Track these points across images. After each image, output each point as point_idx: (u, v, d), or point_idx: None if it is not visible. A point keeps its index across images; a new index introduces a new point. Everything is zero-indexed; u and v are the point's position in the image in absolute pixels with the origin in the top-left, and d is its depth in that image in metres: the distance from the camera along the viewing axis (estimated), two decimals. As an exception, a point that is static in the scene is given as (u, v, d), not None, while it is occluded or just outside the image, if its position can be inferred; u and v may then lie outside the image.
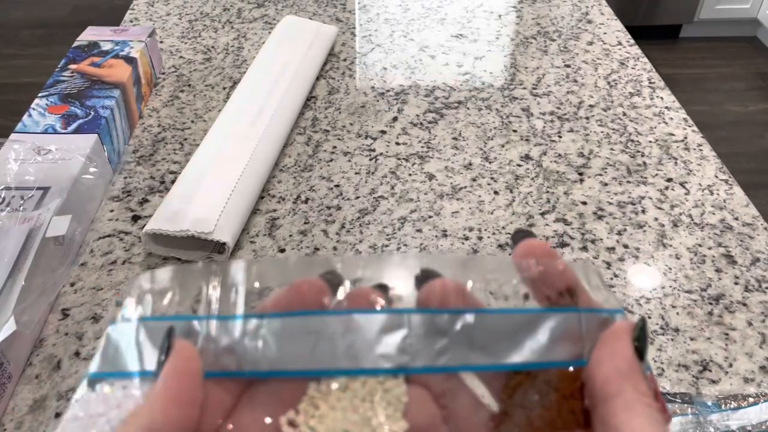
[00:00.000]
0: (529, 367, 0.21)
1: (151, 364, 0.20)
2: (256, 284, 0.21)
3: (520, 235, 0.23)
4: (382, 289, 0.21)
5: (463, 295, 0.21)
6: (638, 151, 0.62)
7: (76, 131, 0.55)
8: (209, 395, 0.20)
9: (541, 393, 0.20)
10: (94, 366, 0.21)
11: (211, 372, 0.20)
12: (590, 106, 0.67)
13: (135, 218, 0.54)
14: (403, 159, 0.60)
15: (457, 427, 0.21)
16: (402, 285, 0.21)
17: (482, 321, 0.21)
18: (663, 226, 0.54)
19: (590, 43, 0.77)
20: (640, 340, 0.21)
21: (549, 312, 0.21)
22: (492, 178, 0.58)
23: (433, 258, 0.22)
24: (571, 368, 0.21)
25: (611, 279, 0.49)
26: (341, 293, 0.21)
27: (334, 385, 0.20)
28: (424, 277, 0.22)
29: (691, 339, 0.45)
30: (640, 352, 0.21)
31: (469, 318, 0.21)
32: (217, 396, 0.20)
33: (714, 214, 0.55)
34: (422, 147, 0.62)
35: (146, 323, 0.21)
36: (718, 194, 0.57)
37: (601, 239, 0.53)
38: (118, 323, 0.22)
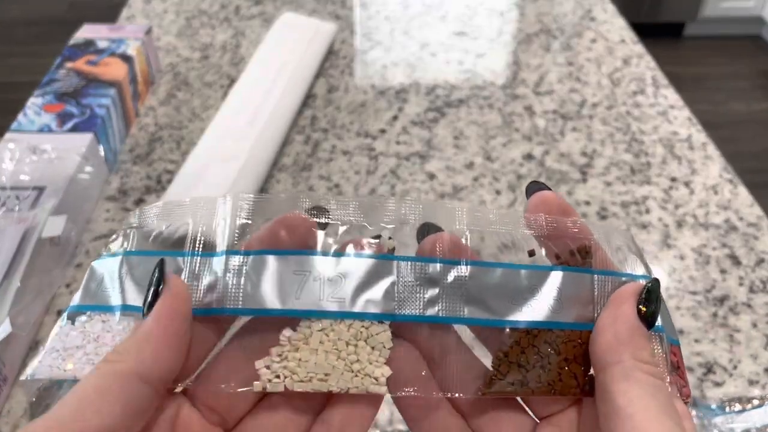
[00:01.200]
0: (529, 326, 0.20)
1: (133, 299, 0.19)
2: (242, 220, 0.20)
3: (535, 186, 0.22)
4: (376, 239, 0.20)
5: (464, 251, 0.20)
6: (642, 151, 0.61)
7: (71, 130, 0.55)
8: (193, 332, 0.19)
9: (541, 354, 0.20)
10: (75, 299, 0.20)
11: (196, 309, 0.19)
12: (593, 104, 0.67)
13: (131, 218, 0.53)
14: (404, 158, 0.60)
15: (446, 382, 0.20)
16: (396, 233, 0.20)
17: (480, 274, 0.20)
18: (667, 226, 0.53)
19: (593, 41, 0.77)
20: (649, 303, 0.19)
21: (556, 270, 0.20)
22: (494, 178, 0.58)
23: (432, 206, 0.21)
24: (575, 331, 0.20)
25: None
26: (329, 231, 0.20)
27: (317, 327, 0.19)
28: (425, 231, 0.21)
29: (696, 341, 0.45)
30: (649, 316, 0.19)
31: (464, 270, 0.20)
32: (201, 333, 0.19)
33: (718, 214, 0.54)
34: (423, 146, 0.61)
35: (129, 258, 0.20)
36: (722, 194, 0.56)
37: (604, 240, 0.52)
38: (103, 257, 0.21)
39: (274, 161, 0.59)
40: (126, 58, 0.63)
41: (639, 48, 0.75)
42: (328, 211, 0.20)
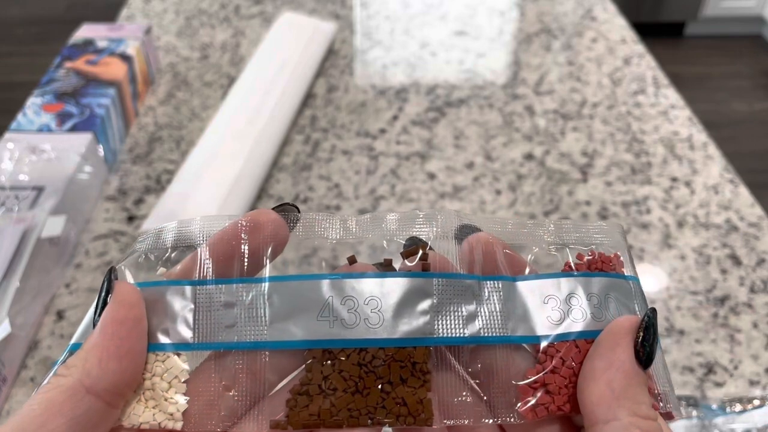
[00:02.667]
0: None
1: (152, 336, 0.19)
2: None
3: (466, 231, 0.20)
4: (387, 265, 0.19)
5: (505, 251, 0.19)
6: (643, 150, 0.61)
7: (71, 130, 0.55)
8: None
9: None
10: (77, 335, 0.19)
11: (216, 344, 0.18)
12: (594, 104, 0.67)
13: (130, 218, 0.53)
14: (404, 158, 0.59)
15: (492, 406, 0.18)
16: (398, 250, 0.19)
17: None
18: (668, 226, 0.53)
19: (594, 41, 0.76)
20: (647, 342, 0.17)
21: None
22: (494, 178, 0.57)
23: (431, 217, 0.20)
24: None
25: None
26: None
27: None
28: (463, 233, 0.19)
29: (696, 341, 0.45)
30: (647, 358, 0.17)
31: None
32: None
33: (719, 214, 0.54)
34: (423, 146, 0.61)
35: (142, 289, 0.19)
36: (723, 194, 0.56)
37: (605, 240, 0.52)
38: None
39: (274, 161, 0.58)
40: (125, 58, 0.63)
41: (640, 47, 0.75)
42: (295, 207, 0.19)
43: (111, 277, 0.18)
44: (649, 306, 0.19)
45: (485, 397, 0.18)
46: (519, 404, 0.18)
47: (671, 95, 0.68)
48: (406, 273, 0.18)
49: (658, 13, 2.13)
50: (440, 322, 0.18)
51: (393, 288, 0.18)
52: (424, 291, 0.18)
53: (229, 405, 0.18)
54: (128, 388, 0.17)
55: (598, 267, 0.20)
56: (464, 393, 0.18)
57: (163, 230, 0.20)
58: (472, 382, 0.18)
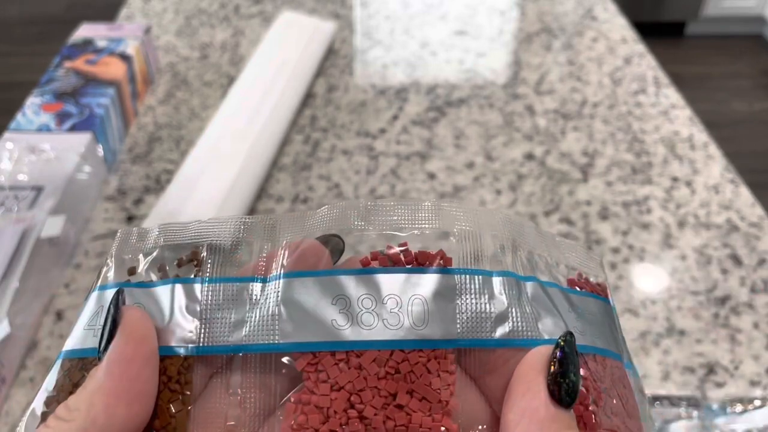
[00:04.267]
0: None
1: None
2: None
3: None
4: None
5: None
6: (643, 150, 0.61)
7: (70, 130, 0.54)
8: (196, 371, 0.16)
9: None
10: (70, 341, 0.18)
11: (213, 348, 0.16)
12: (594, 104, 0.66)
13: (130, 218, 0.53)
14: (404, 158, 0.59)
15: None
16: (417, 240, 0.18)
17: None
18: (668, 226, 0.53)
19: (594, 40, 0.76)
20: (563, 376, 0.15)
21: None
22: (494, 178, 0.57)
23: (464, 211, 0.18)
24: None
25: (616, 280, 0.48)
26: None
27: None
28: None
29: (697, 341, 0.44)
30: (567, 393, 0.15)
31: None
32: (199, 372, 0.16)
33: (720, 214, 0.54)
34: (423, 146, 0.61)
35: (130, 290, 0.17)
36: (724, 194, 0.56)
37: (606, 240, 0.52)
38: (97, 290, 0.18)
39: (274, 161, 0.58)
40: (125, 58, 0.63)
41: (640, 47, 0.75)
42: (341, 241, 0.18)
43: (118, 302, 0.16)
44: (564, 332, 0.17)
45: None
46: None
47: (672, 95, 0.68)
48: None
49: (659, 12, 2.13)
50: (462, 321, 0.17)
51: (417, 284, 0.17)
52: (449, 288, 0.17)
53: (236, 414, 0.16)
54: (139, 430, 0.16)
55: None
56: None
57: (158, 231, 0.19)
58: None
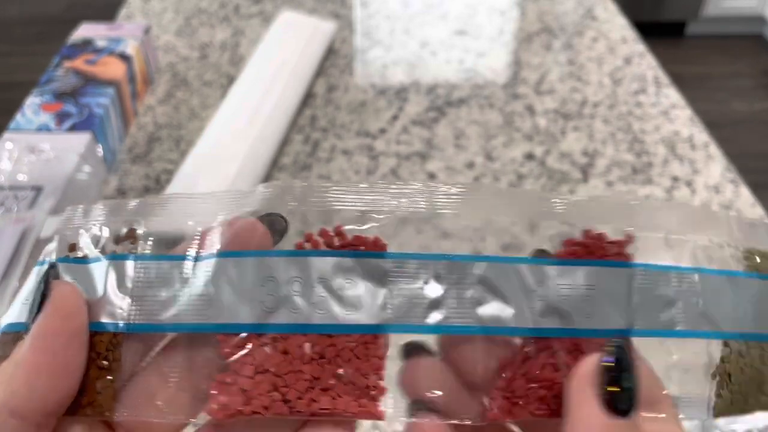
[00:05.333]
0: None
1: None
2: (189, 222, 0.18)
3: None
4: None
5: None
6: (643, 150, 0.61)
7: (70, 130, 0.54)
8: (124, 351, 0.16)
9: None
10: (9, 314, 0.17)
11: (144, 325, 0.16)
12: (595, 104, 0.66)
13: (130, 218, 0.53)
14: (404, 158, 0.59)
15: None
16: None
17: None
18: (668, 226, 0.53)
19: (594, 40, 0.76)
20: (618, 382, 0.14)
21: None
22: (495, 178, 0.57)
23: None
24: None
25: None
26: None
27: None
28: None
29: (698, 343, 0.44)
30: (624, 403, 0.14)
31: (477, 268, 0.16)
32: (129, 350, 0.16)
33: (721, 214, 0.54)
34: (423, 146, 0.61)
35: (66, 265, 0.17)
36: (724, 194, 0.56)
37: (605, 240, 0.51)
38: (37, 265, 0.18)
39: (274, 161, 0.58)
40: (124, 58, 0.62)
41: (640, 47, 0.75)
42: (285, 220, 0.17)
43: (48, 276, 0.16)
44: (616, 340, 0.16)
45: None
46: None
47: (672, 95, 0.68)
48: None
49: (659, 12, 2.13)
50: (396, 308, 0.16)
51: (349, 269, 0.16)
52: (380, 272, 0.17)
53: (164, 394, 0.16)
54: (61, 408, 0.15)
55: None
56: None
57: (96, 210, 0.18)
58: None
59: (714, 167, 0.59)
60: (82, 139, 0.53)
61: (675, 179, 0.57)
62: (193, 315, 0.16)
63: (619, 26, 0.79)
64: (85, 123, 0.55)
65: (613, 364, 0.15)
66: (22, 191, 0.49)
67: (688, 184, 0.57)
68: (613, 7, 0.83)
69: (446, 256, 0.17)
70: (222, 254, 0.17)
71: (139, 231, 0.18)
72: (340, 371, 0.16)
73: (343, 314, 0.16)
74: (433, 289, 0.16)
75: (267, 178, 0.57)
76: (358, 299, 0.16)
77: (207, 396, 0.16)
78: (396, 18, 0.80)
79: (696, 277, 0.17)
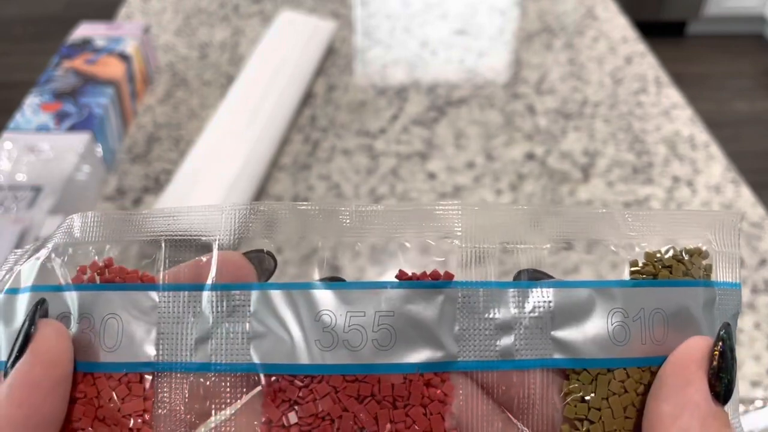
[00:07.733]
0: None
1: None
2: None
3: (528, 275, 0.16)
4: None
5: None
6: (644, 150, 0.60)
7: (69, 129, 0.54)
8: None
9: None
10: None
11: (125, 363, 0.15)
12: (595, 103, 0.66)
13: (129, 218, 0.53)
14: (404, 158, 0.59)
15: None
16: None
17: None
18: (669, 226, 0.53)
19: (595, 40, 0.76)
20: (724, 371, 0.14)
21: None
22: (495, 177, 0.57)
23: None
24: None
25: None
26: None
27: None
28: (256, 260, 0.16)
29: (699, 343, 0.44)
30: (725, 390, 0.14)
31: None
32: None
33: (722, 214, 0.54)
34: (423, 145, 0.61)
35: (44, 294, 0.15)
36: (725, 194, 0.56)
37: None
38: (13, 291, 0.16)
39: (274, 161, 0.58)
40: (124, 57, 0.62)
41: (641, 47, 0.75)
42: (274, 259, 0.16)
43: (36, 314, 0.14)
44: (724, 323, 0.15)
45: None
46: None
47: (673, 94, 0.67)
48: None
49: (660, 11, 2.13)
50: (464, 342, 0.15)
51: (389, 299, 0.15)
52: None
53: None
54: None
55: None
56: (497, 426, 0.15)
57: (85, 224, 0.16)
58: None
59: (715, 167, 0.58)
60: (82, 138, 0.53)
61: (676, 179, 0.57)
62: (233, 355, 0.15)
63: (619, 26, 0.79)
64: (85, 123, 0.55)
65: (725, 352, 0.14)
66: (21, 191, 0.49)
67: (689, 184, 0.57)
68: (613, 7, 0.83)
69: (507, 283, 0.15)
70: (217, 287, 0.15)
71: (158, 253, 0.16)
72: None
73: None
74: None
75: (267, 178, 0.57)
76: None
77: None
78: (396, 17, 0.80)
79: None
